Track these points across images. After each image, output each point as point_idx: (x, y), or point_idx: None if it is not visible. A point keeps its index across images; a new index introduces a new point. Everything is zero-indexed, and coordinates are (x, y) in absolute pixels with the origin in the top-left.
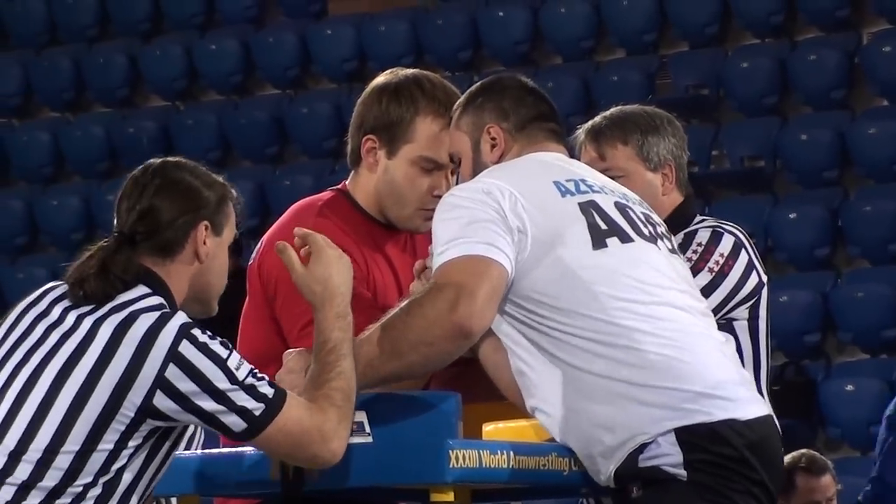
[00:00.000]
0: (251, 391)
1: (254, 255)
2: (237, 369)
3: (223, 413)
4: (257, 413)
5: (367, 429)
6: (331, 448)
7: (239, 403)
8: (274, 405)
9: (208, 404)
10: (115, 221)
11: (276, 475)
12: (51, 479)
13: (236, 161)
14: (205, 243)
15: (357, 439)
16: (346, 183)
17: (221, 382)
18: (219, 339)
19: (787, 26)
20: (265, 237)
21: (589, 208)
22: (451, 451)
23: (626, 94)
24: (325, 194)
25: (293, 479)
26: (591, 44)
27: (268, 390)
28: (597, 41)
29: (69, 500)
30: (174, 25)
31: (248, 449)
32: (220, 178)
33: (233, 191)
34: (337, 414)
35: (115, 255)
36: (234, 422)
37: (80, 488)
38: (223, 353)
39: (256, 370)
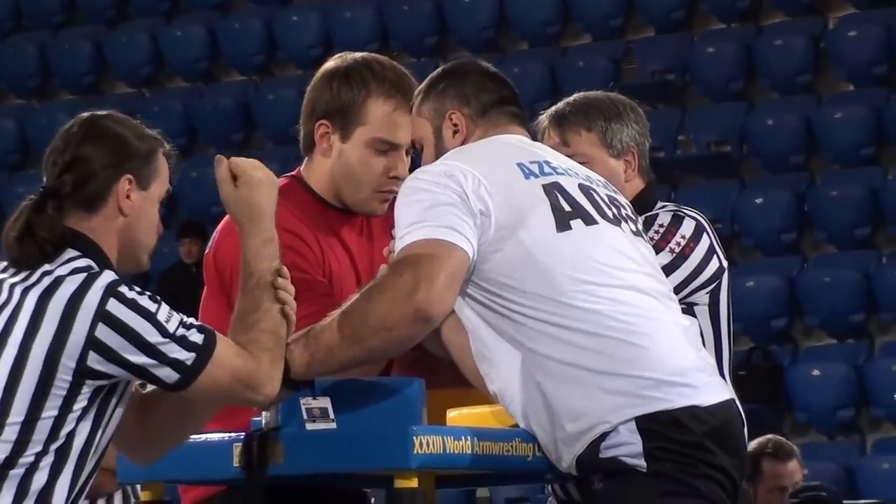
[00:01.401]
0: (182, 342)
1: (210, 243)
2: (167, 322)
3: (155, 366)
4: (189, 363)
5: (331, 415)
6: (263, 392)
7: (171, 356)
8: (205, 352)
9: (140, 359)
10: (44, 178)
11: (240, 462)
12: (0, 451)
13: (202, 147)
14: (128, 197)
15: (321, 425)
16: (300, 170)
17: (153, 336)
18: (147, 293)
19: (753, 11)
20: (220, 226)
21: (553, 190)
22: (414, 437)
23: (591, 80)
24: (280, 181)
25: (257, 465)
26: (556, 29)
27: (197, 337)
28: (562, 26)
29: (22, 470)
30: (140, 12)
31: (213, 436)
32: (154, 133)
33: (168, 146)
34: (268, 358)
35: (39, 214)
36: (168, 374)
37: (32, 457)
38: (152, 307)
39: (186, 318)
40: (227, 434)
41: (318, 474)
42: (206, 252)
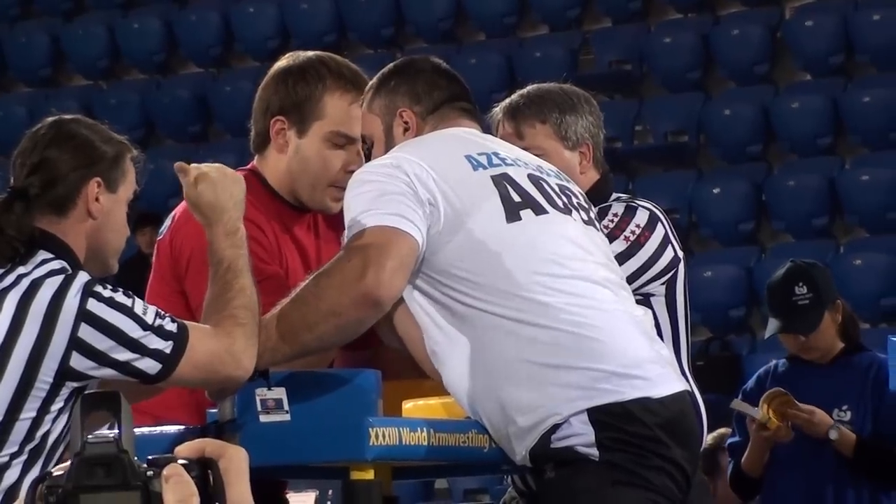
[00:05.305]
0: (160, 332)
1: (163, 229)
2: (145, 314)
3: (138, 359)
4: (168, 351)
5: (286, 406)
6: (242, 366)
7: (152, 347)
8: (181, 339)
9: (124, 355)
10: (11, 179)
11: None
12: None
13: (160, 140)
14: (97, 200)
15: (275, 417)
16: (255, 164)
17: (135, 331)
18: (120, 289)
19: (710, 1)
20: (176, 212)
21: (502, 181)
22: (370, 429)
23: (549, 71)
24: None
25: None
26: (513, 20)
27: (172, 327)
28: (520, 17)
29: None
30: (96, 4)
31: (168, 428)
32: (121, 137)
33: (135, 150)
34: (243, 332)
35: (7, 213)
36: (150, 365)
37: (6, 457)
38: (128, 302)
39: (158, 309)
40: (183, 426)
41: (272, 466)
42: (160, 238)
